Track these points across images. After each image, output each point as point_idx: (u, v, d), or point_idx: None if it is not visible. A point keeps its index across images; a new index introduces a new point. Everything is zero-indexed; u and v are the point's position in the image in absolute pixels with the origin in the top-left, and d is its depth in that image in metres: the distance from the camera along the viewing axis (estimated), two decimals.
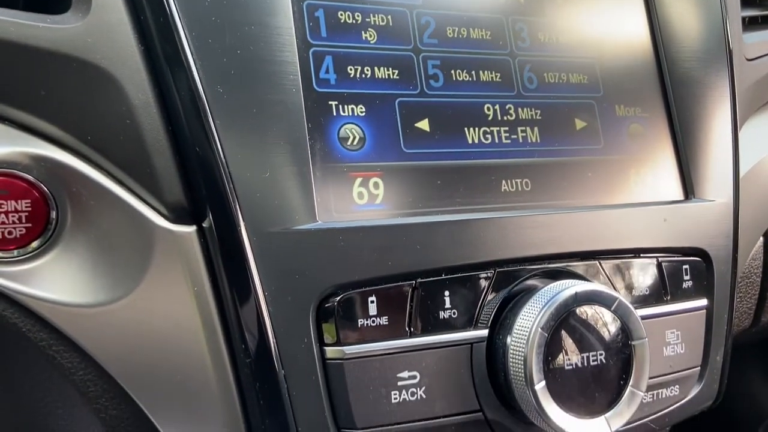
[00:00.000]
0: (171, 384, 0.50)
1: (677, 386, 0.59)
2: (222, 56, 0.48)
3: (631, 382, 0.52)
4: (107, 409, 0.52)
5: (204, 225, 0.49)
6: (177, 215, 0.50)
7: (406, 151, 0.54)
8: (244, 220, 0.47)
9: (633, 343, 0.52)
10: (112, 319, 0.49)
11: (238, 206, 0.48)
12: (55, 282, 0.49)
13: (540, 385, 0.49)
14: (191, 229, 0.49)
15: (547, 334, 0.50)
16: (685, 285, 0.61)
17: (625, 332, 0.52)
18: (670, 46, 0.66)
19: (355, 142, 0.53)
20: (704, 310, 0.61)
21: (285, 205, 0.49)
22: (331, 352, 0.49)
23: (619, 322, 0.52)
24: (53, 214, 0.49)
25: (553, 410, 0.49)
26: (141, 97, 0.49)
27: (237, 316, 0.48)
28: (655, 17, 0.66)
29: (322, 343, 0.49)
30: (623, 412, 0.51)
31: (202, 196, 0.49)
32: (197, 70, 0.47)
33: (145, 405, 0.51)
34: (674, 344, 0.59)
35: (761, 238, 0.80)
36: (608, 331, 0.52)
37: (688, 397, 0.61)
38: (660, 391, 0.58)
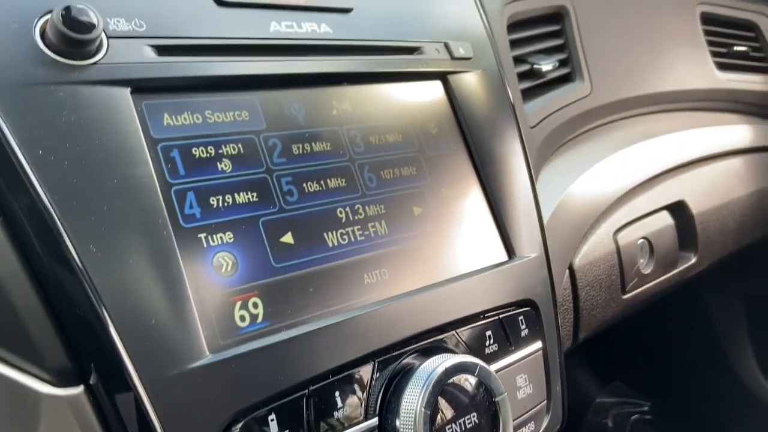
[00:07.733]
0: None
1: (532, 422, 0.70)
2: (90, 215, 0.49)
3: None
4: None
5: (92, 383, 0.49)
6: (61, 378, 0.49)
7: (276, 266, 0.58)
8: (135, 371, 0.48)
9: (496, 399, 0.61)
10: None
11: (127, 357, 0.48)
12: None
13: None
14: (79, 389, 0.49)
15: (429, 411, 0.57)
16: (522, 333, 0.72)
17: (489, 391, 0.61)
18: (473, 130, 0.78)
19: (228, 269, 0.56)
20: (541, 351, 0.73)
21: (173, 345, 0.50)
22: None
23: (483, 384, 0.61)
24: None
25: None
26: (7, 270, 0.48)
27: None
28: (458, 109, 0.77)
29: None
30: None
31: (87, 355, 0.49)
32: (66, 234, 0.48)
33: None
34: (524, 387, 0.70)
35: (566, 271, 0.96)
36: (476, 393, 0.60)
37: (542, 429, 0.71)
38: (521, 430, 0.68)
